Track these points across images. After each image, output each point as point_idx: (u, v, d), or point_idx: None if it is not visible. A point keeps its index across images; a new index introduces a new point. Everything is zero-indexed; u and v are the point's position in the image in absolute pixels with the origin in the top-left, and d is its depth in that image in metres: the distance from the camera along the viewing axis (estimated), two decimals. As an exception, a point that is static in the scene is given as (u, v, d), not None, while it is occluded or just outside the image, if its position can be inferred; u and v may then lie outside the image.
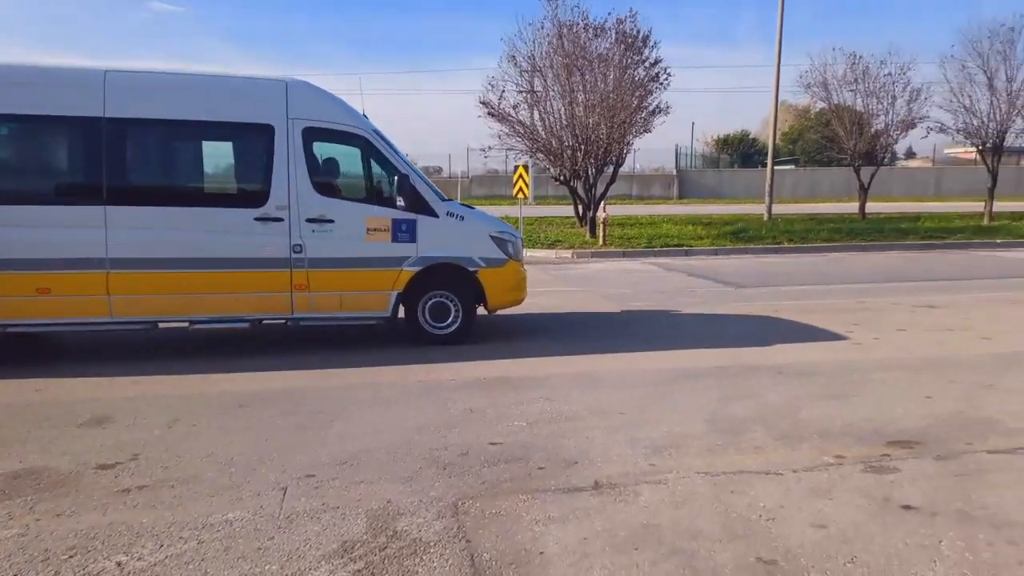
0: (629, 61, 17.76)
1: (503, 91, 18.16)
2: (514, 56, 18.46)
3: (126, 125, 6.41)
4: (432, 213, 6.99)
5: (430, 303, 7.16)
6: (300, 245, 6.67)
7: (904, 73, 22.78)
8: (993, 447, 4.30)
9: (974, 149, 25.10)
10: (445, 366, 6.34)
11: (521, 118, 18.46)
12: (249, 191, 6.79)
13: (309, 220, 6.68)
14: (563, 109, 17.97)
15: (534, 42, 18.37)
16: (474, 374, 6.06)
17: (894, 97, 23.25)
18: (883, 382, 5.78)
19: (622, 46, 17.60)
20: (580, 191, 19.50)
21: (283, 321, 6.88)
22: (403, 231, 6.92)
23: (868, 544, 3.13)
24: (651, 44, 17.89)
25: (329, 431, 4.64)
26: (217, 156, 7.13)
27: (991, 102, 22.44)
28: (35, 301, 6.22)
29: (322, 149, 6.91)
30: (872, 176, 24.63)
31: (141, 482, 3.83)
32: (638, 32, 17.73)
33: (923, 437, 4.48)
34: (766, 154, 25.82)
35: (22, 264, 6.14)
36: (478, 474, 3.92)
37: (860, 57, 23.25)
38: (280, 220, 6.62)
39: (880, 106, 23.64)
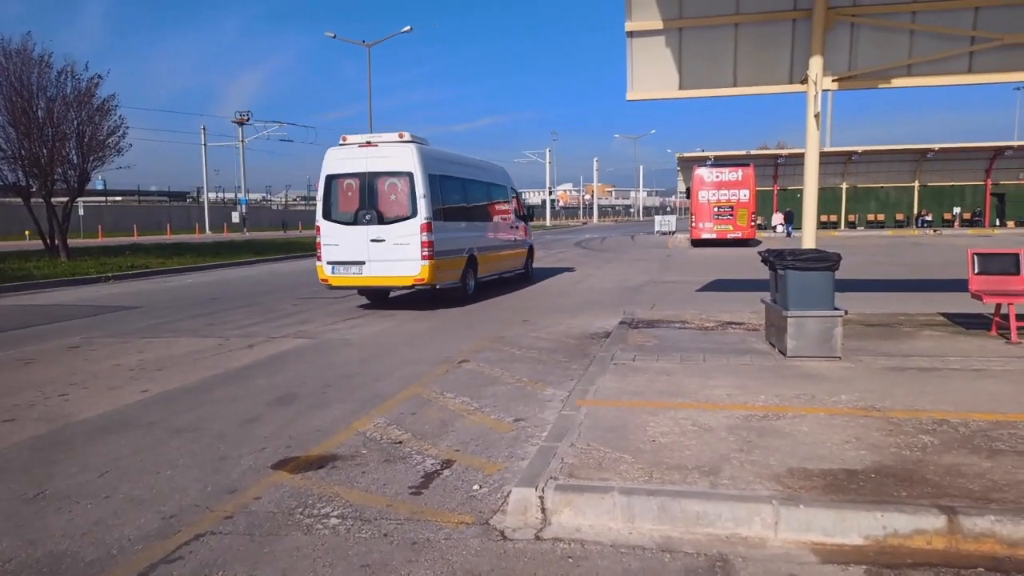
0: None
1: None
2: None
3: (476, 183, 14.41)
4: (527, 221, 17.27)
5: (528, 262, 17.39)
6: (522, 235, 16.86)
7: None
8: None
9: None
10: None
11: None
12: (509, 213, 16.01)
13: (518, 220, 16.72)
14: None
15: None
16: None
17: None
18: None
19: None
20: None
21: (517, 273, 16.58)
22: (526, 231, 17.22)
23: None
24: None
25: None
26: (498, 196, 15.55)
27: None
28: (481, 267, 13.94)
29: (511, 195, 16.49)
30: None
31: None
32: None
33: None
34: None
35: (454, 252, 12.55)
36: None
37: None
38: (516, 226, 16.36)
39: None
